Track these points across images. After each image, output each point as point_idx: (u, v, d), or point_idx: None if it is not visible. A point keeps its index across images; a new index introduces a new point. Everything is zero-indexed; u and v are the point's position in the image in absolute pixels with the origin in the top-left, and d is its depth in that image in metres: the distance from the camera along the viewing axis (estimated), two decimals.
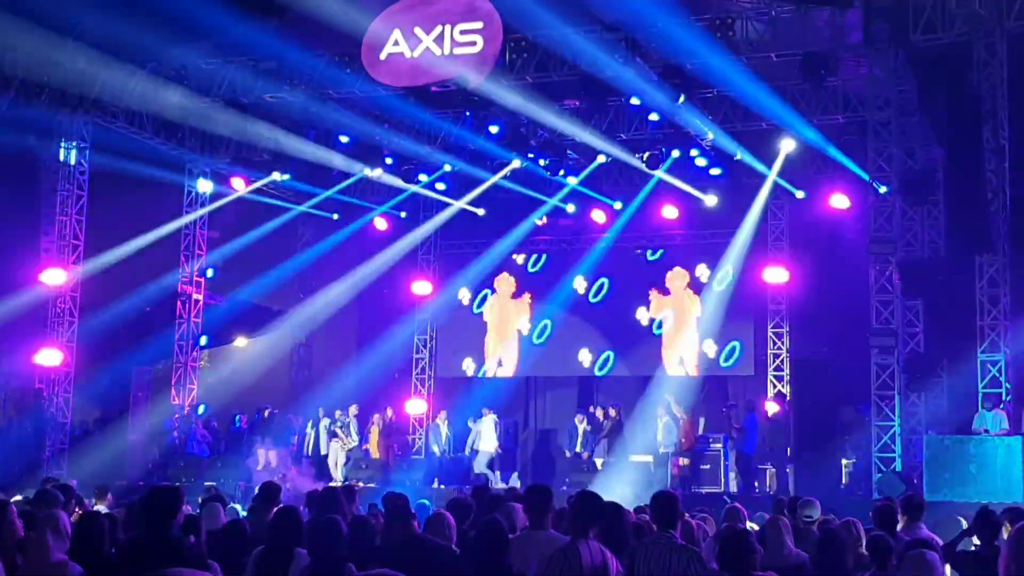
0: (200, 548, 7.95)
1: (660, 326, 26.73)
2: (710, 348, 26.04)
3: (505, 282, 28.42)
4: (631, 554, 7.33)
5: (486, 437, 24.22)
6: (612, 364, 27.13)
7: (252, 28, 19.97)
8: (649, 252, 27.28)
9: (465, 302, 28.73)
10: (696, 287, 26.51)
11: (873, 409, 19.80)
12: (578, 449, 23.64)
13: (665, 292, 26.74)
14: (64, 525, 7.35)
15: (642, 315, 26.84)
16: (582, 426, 23.81)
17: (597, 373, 27.39)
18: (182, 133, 24.27)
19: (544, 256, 28.25)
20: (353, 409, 24.61)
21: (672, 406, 22.37)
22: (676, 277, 26.72)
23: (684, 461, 21.74)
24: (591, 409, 24.55)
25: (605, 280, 27.53)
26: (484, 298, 28.66)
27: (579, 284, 27.55)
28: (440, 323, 29.23)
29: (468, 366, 28.52)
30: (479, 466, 23.90)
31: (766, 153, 23.09)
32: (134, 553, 6.88)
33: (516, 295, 28.32)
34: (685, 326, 26.49)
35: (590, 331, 27.40)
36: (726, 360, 26.02)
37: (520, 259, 28.33)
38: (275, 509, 8.59)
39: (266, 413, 24.37)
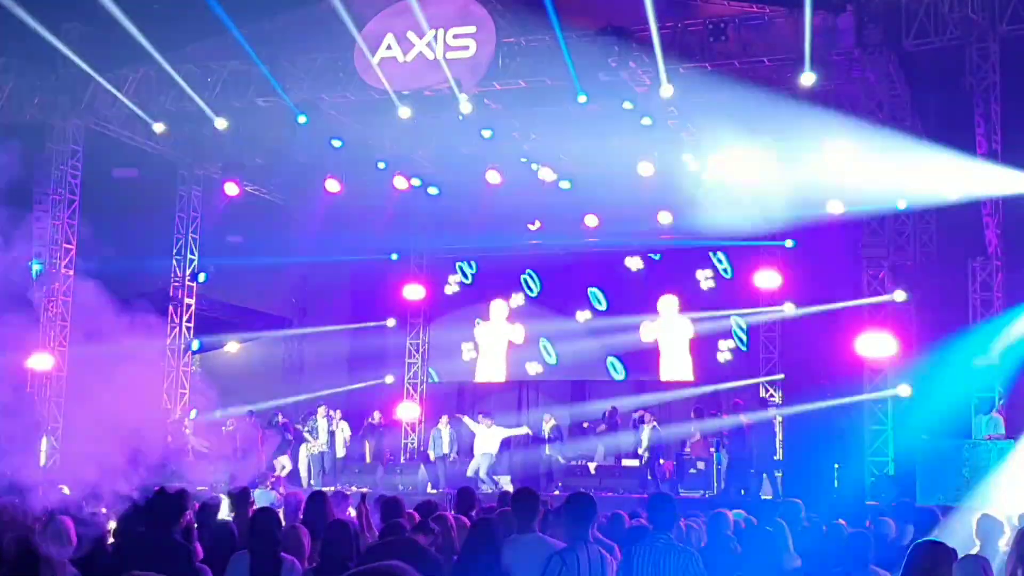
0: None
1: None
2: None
3: (499, 307, 28.41)
4: (628, 555, 7.32)
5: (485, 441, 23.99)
6: (601, 368, 27.12)
7: (245, 32, 19.96)
8: (646, 259, 27.14)
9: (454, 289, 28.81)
10: (687, 307, 26.47)
11: (866, 413, 19.81)
12: (547, 452, 23.43)
13: (655, 312, 26.69)
14: (68, 530, 7.35)
15: (635, 324, 26.80)
16: (547, 425, 23.67)
17: (586, 378, 27.38)
18: (174, 137, 24.22)
19: (536, 274, 28.18)
20: (322, 411, 24.41)
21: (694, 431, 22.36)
22: (666, 304, 26.61)
23: (700, 465, 21.82)
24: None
25: (598, 286, 27.51)
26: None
27: (571, 289, 27.52)
28: (432, 327, 29.25)
29: (461, 370, 28.54)
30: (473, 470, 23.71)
31: (759, 157, 23.06)
32: (134, 550, 6.86)
33: (510, 319, 28.32)
34: (677, 346, 26.46)
35: (582, 336, 27.38)
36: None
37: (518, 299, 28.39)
38: (252, 512, 8.60)
39: (280, 419, 24.25)
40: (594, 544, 7.21)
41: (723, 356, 26.05)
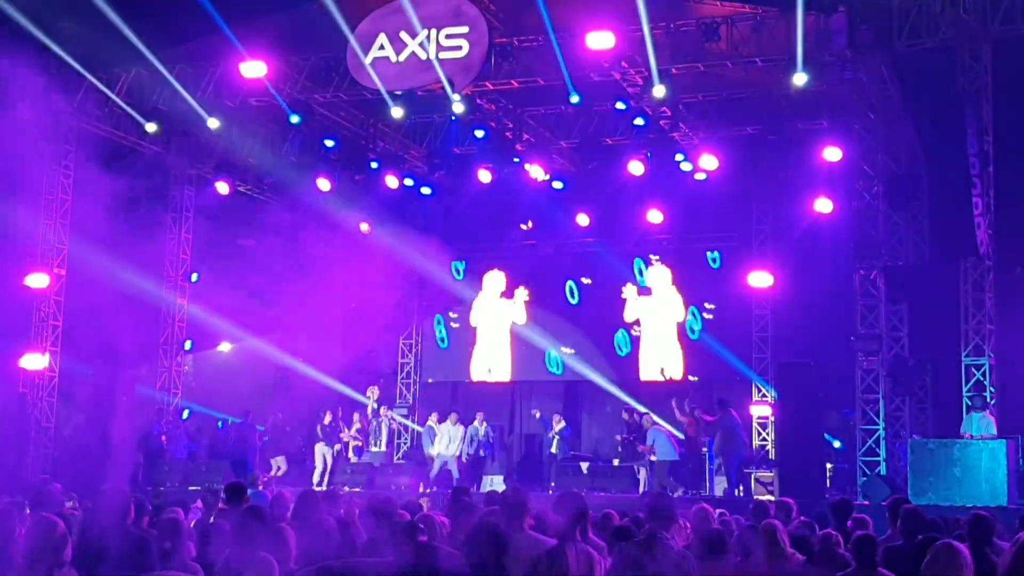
0: (179, 551, 7.88)
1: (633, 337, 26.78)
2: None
3: (493, 280, 28.38)
4: (620, 554, 7.31)
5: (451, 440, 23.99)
6: (594, 369, 27.11)
7: (238, 32, 19.95)
8: (638, 265, 27.13)
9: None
10: (680, 285, 26.47)
11: (858, 413, 19.84)
12: (553, 450, 23.57)
13: (645, 291, 26.67)
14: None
15: (624, 320, 26.82)
16: (558, 427, 23.78)
17: (579, 378, 27.42)
18: (167, 137, 24.18)
19: (528, 260, 28.24)
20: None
21: (675, 412, 22.51)
22: (658, 274, 26.64)
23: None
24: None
25: (590, 284, 27.52)
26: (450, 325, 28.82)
27: (564, 289, 27.53)
28: (426, 328, 29.24)
29: (455, 370, 28.55)
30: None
31: (751, 158, 23.10)
32: (93, 553, 6.86)
33: (507, 294, 28.27)
34: (666, 330, 26.44)
35: (575, 336, 27.39)
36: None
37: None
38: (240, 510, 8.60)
39: (279, 417, 24.24)
40: (583, 543, 7.21)
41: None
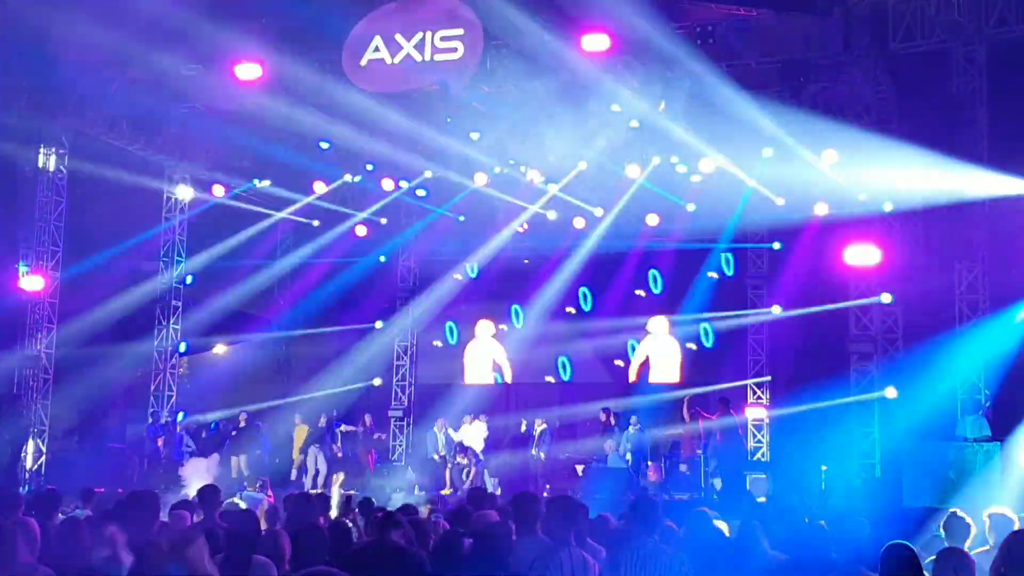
0: None
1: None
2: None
3: (484, 328, 28.43)
4: (614, 560, 7.30)
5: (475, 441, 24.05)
6: (588, 371, 27.13)
7: (232, 34, 19.92)
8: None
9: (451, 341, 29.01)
10: (677, 332, 26.52)
11: (853, 415, 19.82)
12: (532, 452, 23.56)
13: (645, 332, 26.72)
14: (33, 530, 7.32)
15: (622, 323, 26.81)
16: (539, 428, 23.79)
17: (570, 380, 27.44)
18: (161, 139, 24.14)
19: (525, 262, 28.24)
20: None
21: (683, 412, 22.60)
22: (657, 324, 26.51)
23: (683, 468, 21.93)
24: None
25: (585, 288, 27.52)
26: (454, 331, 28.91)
27: (560, 290, 27.52)
28: (421, 329, 29.23)
29: (450, 373, 28.55)
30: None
31: (746, 160, 23.10)
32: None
33: (497, 336, 28.39)
34: (667, 362, 26.50)
35: (571, 338, 27.38)
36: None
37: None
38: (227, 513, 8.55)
39: (242, 420, 24.13)
40: (577, 547, 7.19)
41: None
